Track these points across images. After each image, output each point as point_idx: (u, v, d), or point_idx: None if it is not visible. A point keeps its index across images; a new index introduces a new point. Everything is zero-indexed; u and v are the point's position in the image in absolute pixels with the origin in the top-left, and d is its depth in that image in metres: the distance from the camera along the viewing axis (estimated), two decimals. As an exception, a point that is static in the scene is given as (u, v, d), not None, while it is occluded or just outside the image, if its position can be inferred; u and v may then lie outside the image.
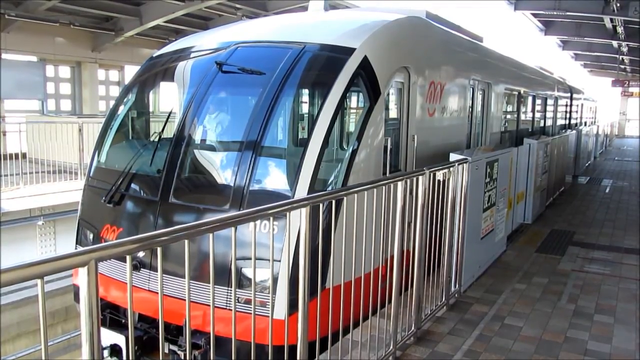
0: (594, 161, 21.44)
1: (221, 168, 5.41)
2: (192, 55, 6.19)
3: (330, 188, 4.94)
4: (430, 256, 4.83)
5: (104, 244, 2.05)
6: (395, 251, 4.19)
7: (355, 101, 5.96)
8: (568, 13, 18.03)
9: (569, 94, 19.73)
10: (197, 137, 5.65)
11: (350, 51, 5.32)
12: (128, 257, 2.12)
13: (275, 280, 4.39)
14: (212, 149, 5.70)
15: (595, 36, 23.58)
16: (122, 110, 6.55)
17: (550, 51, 31.22)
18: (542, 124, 15.42)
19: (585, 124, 23.71)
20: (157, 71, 6.53)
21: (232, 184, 4.99)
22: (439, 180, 4.79)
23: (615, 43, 24.53)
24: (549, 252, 7.67)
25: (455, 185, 5.17)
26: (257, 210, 2.82)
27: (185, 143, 5.41)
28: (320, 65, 5.49)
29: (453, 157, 5.56)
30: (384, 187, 3.92)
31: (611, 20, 19.29)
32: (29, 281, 1.82)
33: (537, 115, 14.82)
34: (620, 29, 20.66)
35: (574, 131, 15.94)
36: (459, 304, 5.52)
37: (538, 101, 14.50)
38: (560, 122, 18.50)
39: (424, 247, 4.56)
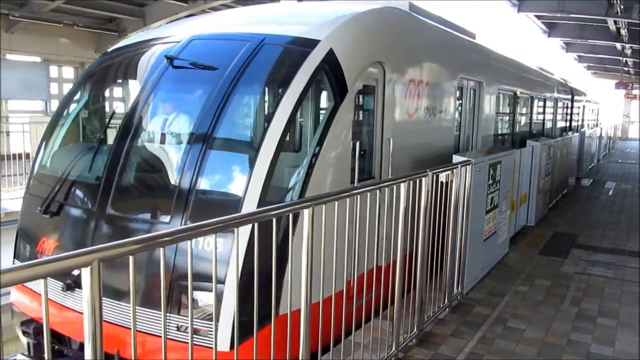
0: (597, 163, 21.39)
1: (164, 175, 4.84)
2: (146, 49, 5.61)
3: (289, 198, 4.39)
4: (432, 258, 4.82)
5: (107, 244, 2.05)
6: (398, 253, 4.18)
7: (318, 99, 5.26)
8: (571, 15, 18.03)
9: (569, 96, 19.09)
10: (140, 140, 5.01)
11: (313, 43, 4.79)
12: (131, 258, 2.12)
13: (221, 303, 3.96)
14: (155, 153, 5.06)
15: (598, 38, 23.56)
16: (69, 110, 5.95)
17: (554, 53, 31.12)
18: (540, 127, 14.71)
19: (588, 127, 22.91)
20: (109, 67, 5.91)
21: (174, 194, 4.43)
22: (441, 182, 4.79)
23: (618, 45, 24.51)
24: (552, 255, 7.65)
25: (458, 187, 5.16)
26: (258, 211, 2.82)
27: (126, 146, 4.82)
28: (280, 59, 4.93)
29: (456, 158, 5.56)
30: (386, 189, 3.92)
31: (615, 22, 19.27)
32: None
33: (536, 117, 14.11)
34: (623, 31, 20.65)
35: (577, 133, 15.89)
36: (462, 306, 5.51)
37: (536, 103, 13.89)
38: (560, 124, 17.79)
39: (426, 249, 4.55)
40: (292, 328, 3.11)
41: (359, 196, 3.59)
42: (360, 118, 5.60)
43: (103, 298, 1.94)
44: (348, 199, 3.49)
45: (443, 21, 7.98)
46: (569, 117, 19.36)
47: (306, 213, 3.06)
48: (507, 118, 11.38)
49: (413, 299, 4.53)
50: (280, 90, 4.66)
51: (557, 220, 10.08)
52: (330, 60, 4.74)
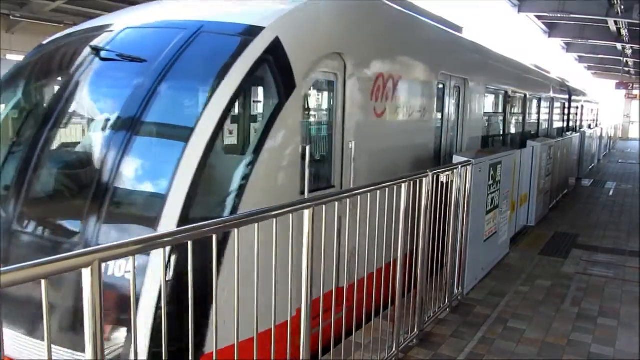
0: (597, 164, 21.39)
1: (76, 186, 4.16)
2: (82, 39, 4.89)
3: (220, 213, 3.74)
4: (433, 258, 4.82)
5: (107, 245, 2.05)
6: (399, 253, 4.19)
7: (260, 97, 4.57)
8: (572, 15, 18.03)
9: (567, 96, 18.46)
10: (55, 144, 4.34)
11: (256, 31, 4.16)
12: (132, 259, 2.12)
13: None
14: (67, 160, 4.36)
15: (599, 38, 23.57)
16: None
17: (554, 54, 31.12)
18: (535, 128, 13.91)
19: (586, 128, 21.76)
20: (39, 60, 5.13)
21: (85, 209, 3.77)
22: (442, 182, 4.79)
23: (619, 45, 24.52)
24: (553, 255, 7.65)
25: (459, 187, 5.16)
26: (260, 211, 2.81)
27: (39, 152, 4.16)
28: (217, 50, 4.27)
29: (456, 159, 5.56)
30: (386, 189, 3.92)
31: (615, 22, 19.27)
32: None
33: (529, 117, 13.24)
34: (624, 32, 20.65)
35: (577, 134, 15.87)
36: (462, 306, 5.51)
37: (530, 102, 13.04)
38: (557, 125, 17.05)
39: (427, 249, 4.55)
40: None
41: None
42: (315, 118, 5.07)
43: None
44: (349, 199, 3.49)
45: (422, 12, 7.31)
46: (566, 118, 18.83)
47: (306, 213, 3.07)
48: (497, 119, 10.64)
49: (413, 299, 4.53)
50: (213, 86, 3.94)
51: (557, 221, 10.08)
52: (276, 50, 4.15)
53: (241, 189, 3.80)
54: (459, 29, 8.66)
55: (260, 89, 4.50)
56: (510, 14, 19.91)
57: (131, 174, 3.93)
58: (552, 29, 23.87)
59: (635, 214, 10.92)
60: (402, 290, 4.30)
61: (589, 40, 24.49)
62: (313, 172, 4.44)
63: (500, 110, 10.70)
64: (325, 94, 5.04)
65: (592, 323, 5.22)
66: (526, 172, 9.19)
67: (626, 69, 33.23)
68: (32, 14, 16.44)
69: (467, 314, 5.34)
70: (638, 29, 19.29)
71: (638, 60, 29.32)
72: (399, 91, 5.79)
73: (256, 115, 4.53)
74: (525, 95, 12.29)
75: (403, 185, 4.07)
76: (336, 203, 3.42)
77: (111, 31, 4.68)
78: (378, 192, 3.80)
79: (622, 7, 16.09)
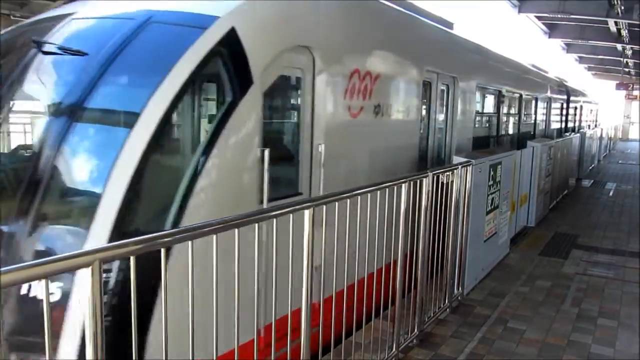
0: (597, 164, 21.39)
1: (3, 189, 3.73)
2: (25, 33, 4.53)
3: (168, 224, 3.34)
4: (433, 259, 4.82)
5: (107, 244, 2.05)
6: (399, 253, 4.19)
7: (212, 93, 4.08)
8: (572, 16, 18.02)
9: (565, 96, 18.04)
10: None
11: (210, 21, 3.77)
12: (132, 258, 2.12)
13: None
14: None
15: (599, 39, 23.57)
16: None
17: (555, 54, 31.13)
18: (531, 129, 13.44)
19: (585, 129, 21.38)
20: None
21: (11, 216, 3.37)
22: (442, 183, 4.79)
23: (619, 46, 24.51)
24: (553, 255, 7.65)
25: (459, 187, 5.16)
26: (259, 211, 2.81)
27: None
28: (164, 41, 3.87)
29: (456, 159, 5.57)
30: (386, 190, 3.92)
31: (615, 23, 19.27)
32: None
33: (525, 118, 12.78)
34: (624, 32, 20.65)
35: (577, 134, 15.85)
36: (462, 306, 5.51)
37: (526, 102, 12.55)
38: (554, 126, 16.60)
39: (427, 250, 4.55)
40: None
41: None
42: (278, 118, 4.64)
43: None
44: (349, 200, 3.49)
45: (408, 5, 6.82)
46: (564, 118, 18.39)
47: (307, 214, 3.07)
48: (490, 119, 10.16)
49: (414, 299, 4.53)
50: (157, 82, 3.51)
51: (557, 221, 10.08)
52: (231, 42, 3.73)
53: (185, 198, 3.38)
54: (449, 24, 8.16)
55: (212, 85, 3.99)
56: (510, 14, 19.91)
57: (63, 180, 3.53)
58: (552, 29, 23.86)
59: (636, 215, 10.92)
60: (402, 291, 4.30)
61: (589, 41, 24.49)
62: (276, 179, 4.09)
63: (494, 110, 10.28)
64: (292, 91, 4.61)
65: (592, 323, 5.22)
66: (526, 172, 9.19)
67: (626, 69, 33.24)
68: (32, 14, 16.43)
69: (467, 314, 5.34)
70: (638, 29, 19.29)
71: (638, 61, 29.33)
72: (378, 89, 5.37)
73: (207, 114, 3.96)
74: (521, 95, 11.88)
75: (403, 185, 4.07)
76: (336, 203, 3.42)
77: (72, 20, 4.27)
78: (378, 192, 3.80)
79: (622, 7, 16.09)
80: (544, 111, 14.93)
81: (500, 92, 10.19)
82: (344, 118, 4.92)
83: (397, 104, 5.89)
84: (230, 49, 3.74)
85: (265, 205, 3.79)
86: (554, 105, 16.05)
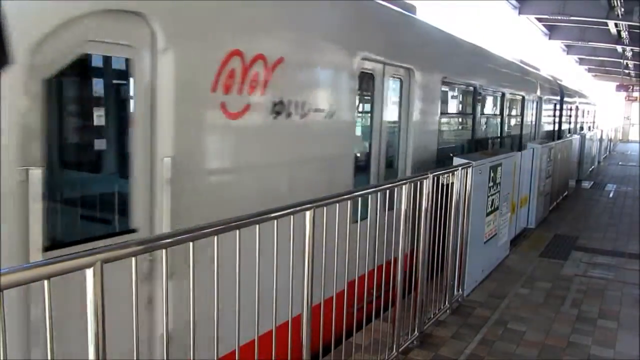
0: (597, 166, 21.39)
1: None
2: None
3: None
4: (433, 260, 4.83)
5: (109, 245, 2.06)
6: (399, 254, 4.20)
7: None
8: (572, 17, 18.02)
9: (559, 96, 16.70)
10: None
11: None
12: (133, 259, 2.13)
13: None
14: None
15: (599, 41, 23.58)
16: None
17: (555, 56, 31.14)
18: (517, 132, 12.00)
19: (581, 131, 19.79)
20: None
21: None
22: (442, 184, 4.80)
23: (619, 47, 24.52)
24: (553, 257, 7.65)
25: (459, 189, 5.16)
26: (260, 212, 2.82)
27: None
28: None
29: (457, 161, 5.58)
30: (387, 191, 3.93)
31: (615, 24, 19.28)
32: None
33: (509, 120, 11.31)
34: (624, 34, 20.67)
35: (577, 136, 15.83)
36: (462, 308, 5.51)
37: (510, 102, 11.12)
38: (546, 128, 15.22)
39: (427, 251, 4.56)
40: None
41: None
42: (83, 119, 3.27)
43: None
44: (349, 201, 3.50)
45: None
46: (558, 120, 17.15)
47: (307, 215, 3.08)
48: (462, 122, 8.74)
49: (414, 300, 4.53)
50: None
51: (557, 223, 10.08)
52: None
53: None
54: (410, 8, 6.72)
55: None
56: (510, 15, 19.93)
57: None
58: (552, 31, 23.87)
59: (635, 216, 10.93)
60: (402, 292, 4.31)
61: (589, 43, 24.50)
62: (89, 208, 3.19)
63: (468, 111, 8.77)
64: (113, 78, 3.33)
65: (591, 325, 5.23)
66: (526, 174, 9.20)
67: (626, 71, 33.25)
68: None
69: (467, 315, 5.34)
70: (638, 31, 19.31)
71: (638, 63, 29.33)
72: (280, 81, 4.09)
73: None
74: (504, 94, 10.38)
75: (404, 187, 4.08)
76: (337, 205, 3.43)
77: None
78: (379, 193, 3.81)
79: (622, 9, 16.10)
80: (534, 112, 13.35)
81: (475, 89, 8.64)
82: (213, 119, 3.60)
83: (314, 101, 4.57)
84: None
85: (40, 258, 2.60)
86: (545, 106, 14.69)
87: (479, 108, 8.96)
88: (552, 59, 31.05)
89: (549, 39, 24.30)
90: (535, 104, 13.38)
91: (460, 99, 8.76)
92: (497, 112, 10.48)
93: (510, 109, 11.29)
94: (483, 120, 9.60)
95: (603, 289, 6.31)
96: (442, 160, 7.08)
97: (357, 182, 5.31)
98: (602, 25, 20.47)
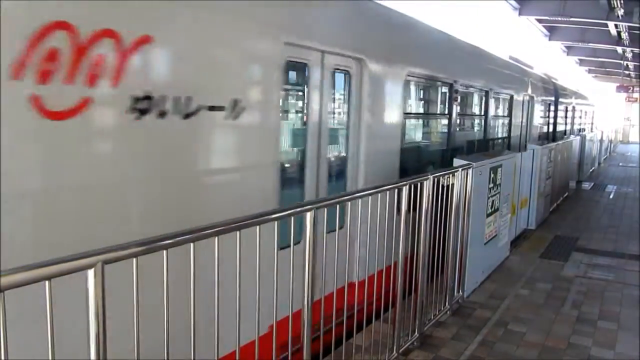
0: (598, 167, 21.40)
1: None
2: None
3: None
4: (433, 261, 4.83)
5: (110, 246, 2.06)
6: (399, 255, 4.20)
7: None
8: (572, 19, 18.03)
9: (553, 96, 15.57)
10: None
11: None
12: (134, 260, 2.14)
13: None
14: None
15: (599, 42, 23.59)
16: None
17: (555, 57, 31.14)
18: (504, 134, 10.88)
19: (577, 134, 17.85)
20: None
21: None
22: (442, 185, 4.80)
23: (619, 49, 24.53)
24: (553, 258, 7.65)
25: (459, 190, 5.17)
26: (260, 213, 2.83)
27: None
28: None
29: (457, 162, 5.58)
30: (387, 192, 3.93)
31: (615, 26, 19.29)
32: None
33: (494, 121, 10.19)
34: (624, 35, 20.67)
35: (578, 137, 15.81)
36: (462, 309, 5.52)
37: (495, 101, 9.96)
38: (537, 131, 13.91)
39: (427, 252, 4.56)
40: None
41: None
42: None
43: None
44: (350, 202, 3.51)
45: None
46: (552, 122, 16.07)
47: (308, 216, 3.08)
48: (434, 122, 7.74)
49: (414, 301, 4.54)
50: None
51: (558, 224, 10.08)
52: None
53: None
54: None
55: None
56: (510, 16, 19.93)
57: None
58: (553, 32, 23.88)
59: (636, 217, 10.93)
60: (402, 293, 4.31)
61: (589, 44, 24.51)
62: None
63: (442, 111, 7.70)
64: None
65: (592, 326, 5.23)
66: (527, 175, 9.20)
67: (626, 72, 33.26)
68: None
69: (467, 316, 5.34)
70: (638, 32, 19.32)
71: (638, 64, 29.34)
72: (143, 67, 3.13)
73: None
74: (487, 92, 9.25)
75: (404, 188, 4.08)
76: (337, 206, 3.43)
77: None
78: (379, 194, 3.82)
79: (622, 10, 16.11)
80: (524, 113, 12.17)
81: (452, 86, 7.53)
82: (18, 122, 2.58)
83: (207, 96, 3.53)
84: None
85: None
86: (537, 106, 13.55)
87: (456, 108, 7.75)
88: (552, 60, 31.05)
89: (549, 40, 24.32)
90: (526, 104, 12.32)
91: (433, 97, 7.71)
92: (480, 112, 9.45)
93: (495, 109, 10.21)
94: (462, 122, 8.56)
95: (603, 290, 6.31)
96: (407, 169, 6.14)
97: (286, 199, 4.25)
98: (602, 27, 20.48)
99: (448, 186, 4.96)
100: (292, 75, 4.65)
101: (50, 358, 1.85)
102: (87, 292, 1.92)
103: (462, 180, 5.20)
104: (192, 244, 2.36)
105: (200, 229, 2.43)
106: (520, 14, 18.93)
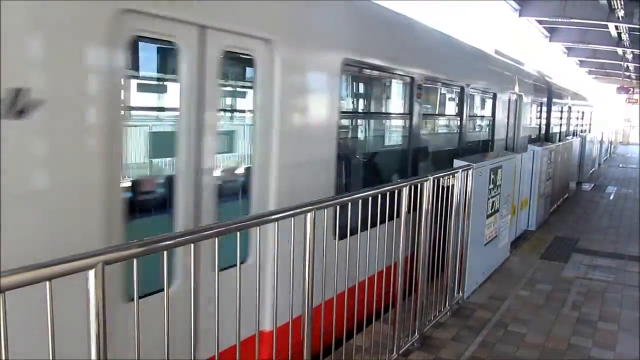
0: (598, 168, 21.40)
1: None
2: None
3: None
4: (433, 262, 4.83)
5: (110, 247, 2.07)
6: (400, 256, 4.20)
7: None
8: (573, 20, 18.04)
9: (546, 95, 14.36)
10: None
11: None
12: (135, 261, 2.14)
13: None
14: None
15: (600, 43, 23.59)
16: None
17: (556, 58, 31.13)
18: (485, 137, 9.57)
19: (572, 137, 16.73)
20: None
21: None
22: (442, 186, 4.80)
23: (620, 50, 24.53)
24: (553, 259, 7.65)
25: (459, 191, 5.17)
26: (260, 214, 2.84)
27: None
28: None
29: (457, 163, 5.59)
30: (387, 193, 3.93)
31: (616, 27, 19.29)
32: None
33: (472, 122, 8.92)
34: (625, 36, 20.67)
35: (578, 138, 15.80)
36: (462, 310, 5.51)
37: (473, 100, 8.60)
38: (528, 132, 12.51)
39: (427, 253, 4.56)
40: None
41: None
42: None
43: None
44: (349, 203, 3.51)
45: None
46: (545, 123, 14.87)
47: (308, 217, 3.09)
48: (389, 124, 6.73)
49: (414, 302, 4.54)
50: None
51: (558, 225, 10.08)
52: None
53: None
54: None
55: None
56: (511, 17, 19.93)
57: None
58: (553, 33, 23.89)
59: (636, 219, 10.93)
60: (402, 294, 4.31)
61: (590, 45, 24.52)
62: None
63: (401, 110, 6.43)
64: None
65: (592, 327, 5.23)
66: (527, 176, 9.20)
67: (627, 73, 33.27)
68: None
69: (467, 317, 5.34)
70: (638, 33, 19.32)
71: (638, 65, 29.35)
72: None
73: None
74: (463, 89, 7.84)
75: (404, 189, 4.09)
76: (337, 207, 3.43)
77: None
78: (379, 195, 3.82)
79: (623, 12, 16.12)
80: (510, 114, 10.74)
81: (414, 80, 6.14)
82: None
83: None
84: None
85: None
86: (527, 107, 12.15)
87: (418, 107, 6.28)
88: (553, 61, 31.04)
89: (550, 41, 24.32)
90: (514, 103, 10.90)
91: (386, 93, 6.45)
92: (453, 111, 8.12)
93: (473, 108, 8.71)
94: (427, 123, 7.18)
95: (603, 291, 6.31)
96: (349, 183, 5.14)
97: (132, 233, 2.91)
98: (603, 28, 20.49)
99: (448, 187, 4.96)
100: (147, 58, 3.33)
101: (50, 358, 1.86)
102: (88, 293, 1.92)
103: (462, 181, 5.20)
104: (192, 245, 2.36)
105: (200, 230, 2.43)
106: (520, 15, 18.93)
